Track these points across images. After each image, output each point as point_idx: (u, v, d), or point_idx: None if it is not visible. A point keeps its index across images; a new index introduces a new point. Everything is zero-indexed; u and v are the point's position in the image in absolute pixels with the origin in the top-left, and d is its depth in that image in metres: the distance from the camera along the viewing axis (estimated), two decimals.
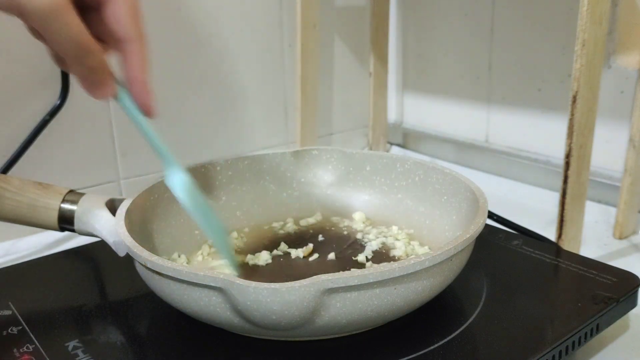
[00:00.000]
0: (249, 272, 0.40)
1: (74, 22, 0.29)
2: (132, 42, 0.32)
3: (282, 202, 0.48)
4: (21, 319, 0.36)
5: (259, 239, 0.45)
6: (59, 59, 0.32)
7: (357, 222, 0.46)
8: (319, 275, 0.28)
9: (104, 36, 0.32)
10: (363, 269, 0.29)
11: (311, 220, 0.47)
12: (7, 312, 0.36)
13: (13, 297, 0.38)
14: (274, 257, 0.42)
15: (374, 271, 0.28)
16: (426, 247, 0.42)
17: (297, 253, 0.41)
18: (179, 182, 0.36)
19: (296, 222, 0.47)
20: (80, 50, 0.29)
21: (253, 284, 0.28)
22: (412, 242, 0.43)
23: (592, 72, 0.43)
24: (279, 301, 0.28)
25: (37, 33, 0.31)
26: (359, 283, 0.28)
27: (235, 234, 0.45)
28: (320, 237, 0.45)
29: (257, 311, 0.28)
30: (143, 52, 0.33)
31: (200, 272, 0.29)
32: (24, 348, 0.33)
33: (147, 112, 0.34)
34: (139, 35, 0.32)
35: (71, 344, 0.33)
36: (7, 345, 0.33)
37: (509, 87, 0.66)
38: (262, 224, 0.47)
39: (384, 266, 0.29)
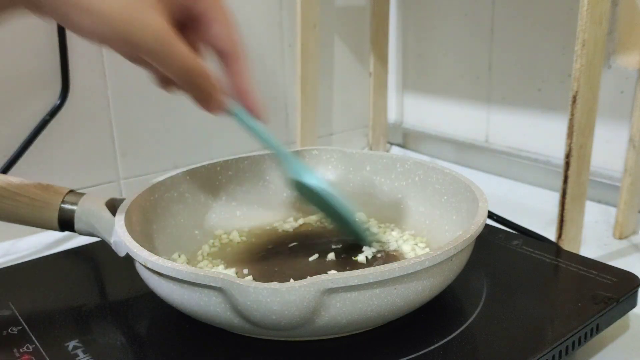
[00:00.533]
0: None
1: (182, 50, 0.30)
2: (239, 58, 0.34)
3: (282, 202, 0.48)
4: (21, 319, 0.36)
5: (259, 239, 0.45)
6: (165, 82, 0.35)
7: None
8: (319, 275, 0.28)
9: (201, 46, 0.34)
10: (363, 269, 0.29)
11: (311, 221, 0.47)
12: (7, 312, 0.36)
13: (13, 297, 0.38)
14: (274, 257, 0.42)
15: (374, 271, 0.28)
16: (426, 247, 0.42)
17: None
18: (313, 177, 0.39)
19: (296, 222, 0.47)
20: (192, 76, 0.31)
21: (253, 283, 0.28)
22: (412, 242, 0.43)
23: (592, 72, 0.43)
24: (279, 301, 0.28)
25: (138, 61, 0.33)
26: (359, 283, 0.28)
27: (235, 234, 0.45)
28: (320, 237, 0.45)
29: (257, 311, 0.28)
30: (247, 65, 0.35)
31: (200, 272, 0.29)
32: (24, 348, 0.33)
33: (260, 117, 0.36)
34: (243, 50, 0.35)
35: (71, 344, 0.33)
36: (7, 345, 0.33)
37: (509, 87, 0.66)
38: (263, 224, 0.47)
39: (384, 266, 0.29)
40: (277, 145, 0.38)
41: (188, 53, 0.30)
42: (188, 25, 0.33)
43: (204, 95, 0.33)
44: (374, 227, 0.45)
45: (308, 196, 0.40)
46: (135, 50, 0.29)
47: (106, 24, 0.27)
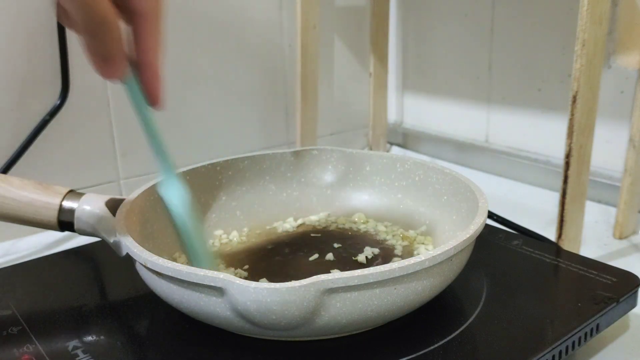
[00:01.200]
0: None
1: None
2: (148, 18, 0.29)
3: (282, 202, 0.48)
4: (21, 319, 0.36)
5: (258, 239, 0.45)
6: (65, 16, 0.28)
7: (357, 223, 0.46)
8: (318, 275, 0.28)
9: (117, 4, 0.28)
10: (363, 269, 0.29)
11: (311, 221, 0.47)
12: (7, 312, 0.36)
13: (13, 297, 0.38)
14: (274, 257, 0.42)
15: (374, 271, 0.28)
16: (426, 247, 0.42)
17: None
18: (176, 196, 0.34)
19: (296, 222, 0.47)
20: (94, 21, 0.26)
21: (253, 284, 0.28)
22: (411, 242, 0.43)
23: (592, 72, 0.43)
24: (279, 301, 0.28)
25: None
26: (359, 283, 0.28)
27: (235, 234, 0.45)
28: (320, 237, 0.45)
29: (257, 311, 0.28)
30: (158, 32, 0.29)
31: (200, 272, 0.29)
32: (24, 348, 0.33)
33: (154, 101, 0.31)
34: (156, 10, 0.29)
35: (71, 344, 0.33)
36: (7, 345, 0.33)
37: (509, 87, 0.66)
38: (262, 224, 0.47)
39: (384, 266, 0.29)
40: (160, 147, 0.33)
41: (109, 3, 0.26)
42: None
43: (104, 52, 0.27)
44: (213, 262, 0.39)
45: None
46: None
47: None
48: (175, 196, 0.34)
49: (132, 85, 0.30)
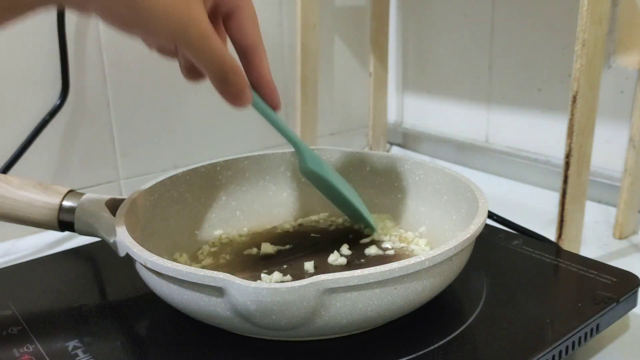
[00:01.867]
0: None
1: (219, 45, 0.31)
2: (259, 49, 0.35)
3: (282, 202, 0.48)
4: (21, 319, 0.36)
5: (259, 239, 0.45)
6: (192, 73, 0.35)
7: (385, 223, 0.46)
8: (319, 275, 0.28)
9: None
10: (363, 269, 0.29)
11: (311, 221, 0.47)
12: (7, 312, 0.36)
13: (13, 297, 0.38)
14: (274, 257, 0.42)
15: (374, 271, 0.28)
16: (427, 247, 0.42)
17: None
18: (320, 164, 0.41)
19: (296, 222, 0.47)
20: (227, 72, 0.32)
21: (253, 283, 0.28)
22: (412, 242, 0.43)
23: (592, 72, 0.43)
24: (279, 301, 0.28)
25: (168, 52, 0.34)
26: (359, 283, 0.28)
27: (235, 234, 0.45)
28: (320, 237, 0.45)
29: (257, 311, 0.28)
30: (266, 56, 0.36)
31: (200, 272, 0.29)
32: (24, 348, 0.33)
33: (276, 107, 0.37)
34: (261, 42, 0.36)
35: (71, 344, 0.33)
36: (7, 345, 0.33)
37: (509, 87, 0.66)
38: (262, 224, 0.47)
39: (384, 266, 0.29)
40: (293, 135, 0.39)
41: (224, 49, 0.31)
42: (217, 19, 0.34)
43: (235, 91, 0.33)
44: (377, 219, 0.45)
45: (319, 185, 0.42)
46: (177, 44, 0.30)
47: (152, 18, 0.28)
48: (322, 165, 0.41)
49: (258, 102, 0.36)
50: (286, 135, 0.39)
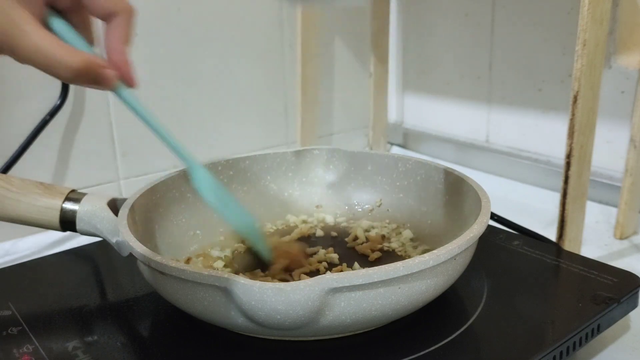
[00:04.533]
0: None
1: (51, 53, 0.29)
2: (118, 16, 0.32)
3: (283, 202, 0.48)
4: (21, 319, 0.35)
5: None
6: None
7: (358, 223, 0.46)
8: (323, 275, 0.28)
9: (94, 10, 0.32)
10: (367, 269, 0.29)
11: (313, 220, 0.47)
12: (7, 312, 0.36)
13: (13, 297, 0.38)
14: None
15: (378, 271, 0.28)
16: (429, 247, 0.42)
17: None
18: (203, 183, 0.36)
19: (297, 222, 0.47)
20: (46, 65, 0.29)
21: (257, 283, 0.28)
22: (414, 242, 0.43)
23: (593, 72, 0.43)
24: (284, 301, 0.28)
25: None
26: (364, 282, 0.28)
27: (237, 234, 0.45)
28: (322, 237, 0.45)
29: (261, 311, 0.28)
30: (127, 25, 0.32)
31: (204, 271, 0.29)
32: (24, 348, 0.33)
33: (127, 82, 0.33)
34: (124, 8, 0.32)
35: (71, 345, 0.33)
36: (7, 345, 0.33)
37: (509, 87, 0.66)
38: (264, 224, 0.47)
39: (388, 265, 0.29)
40: (170, 141, 0.34)
41: (39, 42, 0.29)
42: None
43: (96, 84, 0.31)
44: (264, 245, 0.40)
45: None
46: (22, 62, 0.29)
47: None
48: (204, 189, 0.36)
49: (123, 92, 0.32)
50: (167, 142, 0.34)
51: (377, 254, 0.41)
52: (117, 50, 0.33)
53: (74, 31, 0.32)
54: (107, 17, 0.32)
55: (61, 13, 0.32)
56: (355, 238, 0.43)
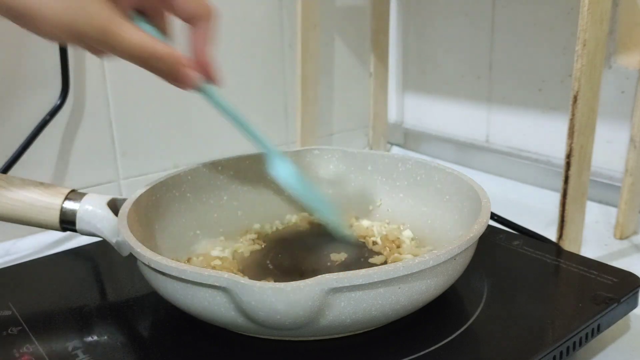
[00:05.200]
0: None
1: (128, 35, 0.31)
2: (201, 19, 0.34)
3: (283, 202, 0.48)
4: (21, 319, 0.35)
5: (264, 238, 0.45)
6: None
7: (359, 222, 0.46)
8: (323, 275, 0.28)
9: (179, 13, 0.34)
10: (367, 269, 0.29)
11: (313, 220, 0.47)
12: (7, 312, 0.36)
13: (13, 297, 0.38)
14: (276, 257, 0.41)
15: (378, 271, 0.28)
16: (429, 247, 0.42)
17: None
18: (284, 171, 0.39)
19: (298, 222, 0.47)
20: (145, 60, 0.31)
21: (258, 283, 0.28)
22: (414, 242, 0.43)
23: (593, 72, 0.43)
24: (284, 301, 0.28)
25: (97, 50, 0.33)
26: (364, 282, 0.28)
27: (237, 234, 0.45)
28: (323, 236, 0.45)
29: (261, 311, 0.28)
30: (211, 28, 0.34)
31: (204, 271, 0.29)
32: (24, 348, 0.33)
33: (214, 80, 0.36)
34: (207, 12, 0.34)
35: (71, 345, 0.33)
36: (7, 345, 0.33)
37: (509, 87, 0.66)
38: (264, 224, 0.47)
39: (389, 265, 0.29)
40: (256, 135, 0.38)
41: (139, 38, 0.31)
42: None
43: (167, 75, 0.33)
44: (346, 226, 0.44)
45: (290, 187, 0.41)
46: (84, 42, 0.30)
47: (52, 22, 0.29)
48: (283, 174, 0.39)
49: (209, 91, 0.35)
50: (251, 135, 0.37)
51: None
52: (202, 51, 0.35)
53: (158, 32, 0.34)
54: (190, 20, 0.34)
55: (143, 15, 0.34)
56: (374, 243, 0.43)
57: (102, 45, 0.31)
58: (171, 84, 0.33)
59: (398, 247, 0.42)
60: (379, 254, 0.41)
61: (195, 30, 0.34)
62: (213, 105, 0.36)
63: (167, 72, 0.32)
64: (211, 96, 0.35)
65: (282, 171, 0.39)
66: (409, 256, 0.40)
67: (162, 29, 0.35)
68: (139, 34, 0.31)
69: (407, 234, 0.44)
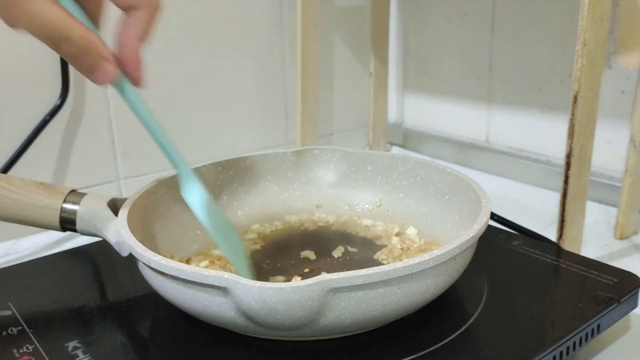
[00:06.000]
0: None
1: (39, 5, 0.27)
2: (140, 8, 0.30)
3: (283, 202, 0.48)
4: (21, 319, 0.35)
5: (263, 238, 0.45)
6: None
7: (358, 222, 0.46)
8: (323, 275, 0.28)
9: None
10: (367, 269, 0.29)
11: (313, 220, 0.47)
12: (7, 312, 0.36)
13: (13, 297, 0.38)
14: (276, 257, 0.42)
15: (378, 271, 0.28)
16: (429, 247, 0.42)
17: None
18: (196, 199, 0.35)
19: (298, 222, 0.47)
20: (56, 39, 0.27)
21: (258, 283, 0.28)
22: (414, 242, 0.43)
23: (593, 72, 0.43)
24: (284, 301, 0.28)
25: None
26: (364, 282, 0.28)
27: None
28: (323, 236, 0.45)
29: (261, 311, 0.28)
30: (148, 21, 0.30)
31: (204, 271, 0.29)
32: (24, 348, 0.33)
33: (135, 81, 0.31)
34: (150, 2, 0.30)
35: (71, 345, 0.33)
36: (7, 345, 0.33)
37: (509, 87, 0.66)
38: (264, 224, 0.47)
39: (389, 266, 0.29)
40: (169, 150, 0.34)
41: (48, 13, 0.27)
42: None
43: (80, 65, 0.28)
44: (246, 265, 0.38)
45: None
46: (22, 29, 0.27)
47: None
48: (193, 200, 0.35)
49: (125, 87, 0.31)
50: (164, 149, 0.33)
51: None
52: (130, 46, 0.30)
53: (83, 13, 0.30)
54: (128, 9, 0.30)
55: None
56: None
57: (4, 10, 0.27)
58: (84, 75, 0.29)
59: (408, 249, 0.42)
60: (382, 247, 0.41)
61: (131, 20, 0.30)
62: (129, 107, 0.31)
63: (81, 60, 0.28)
64: (128, 99, 0.31)
65: (190, 197, 0.34)
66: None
67: (92, 14, 0.30)
68: (54, 9, 0.27)
69: (411, 231, 0.44)
